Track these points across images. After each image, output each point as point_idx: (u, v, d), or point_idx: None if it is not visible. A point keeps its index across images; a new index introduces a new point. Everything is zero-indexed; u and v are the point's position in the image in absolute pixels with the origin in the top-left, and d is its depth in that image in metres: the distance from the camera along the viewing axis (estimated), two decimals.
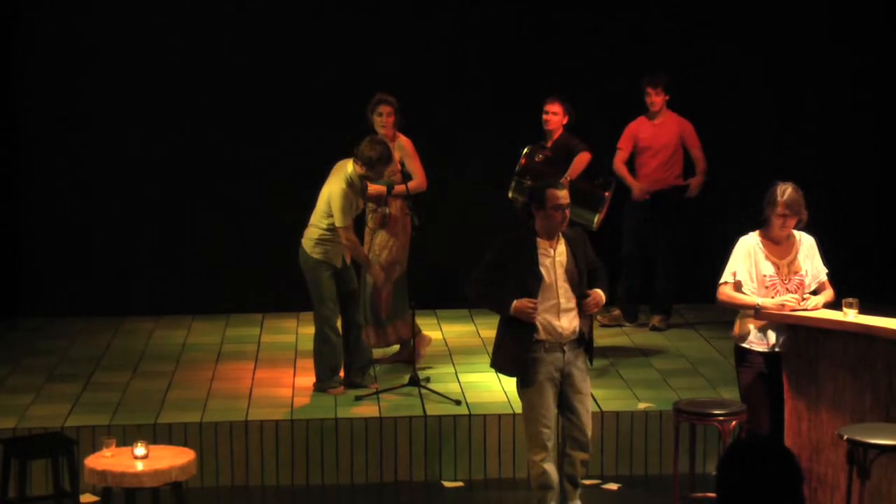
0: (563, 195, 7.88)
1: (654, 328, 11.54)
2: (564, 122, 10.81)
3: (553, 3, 12.31)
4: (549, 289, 7.83)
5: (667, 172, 11.47)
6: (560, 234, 7.90)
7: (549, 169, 10.55)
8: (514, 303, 7.77)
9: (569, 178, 10.49)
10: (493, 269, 7.87)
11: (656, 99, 11.38)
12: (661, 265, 11.55)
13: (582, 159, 10.63)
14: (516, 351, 7.88)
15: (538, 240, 7.85)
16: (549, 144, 10.79)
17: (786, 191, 8.01)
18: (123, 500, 7.72)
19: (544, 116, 10.81)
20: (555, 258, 7.85)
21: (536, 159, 10.55)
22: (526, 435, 8.07)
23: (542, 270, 7.81)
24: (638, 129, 11.45)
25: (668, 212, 11.47)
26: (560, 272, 7.86)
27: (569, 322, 7.89)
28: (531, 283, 7.78)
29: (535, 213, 7.86)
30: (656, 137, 11.40)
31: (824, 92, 12.41)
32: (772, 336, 8.11)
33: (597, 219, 10.30)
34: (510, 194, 10.60)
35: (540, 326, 7.82)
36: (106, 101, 12.14)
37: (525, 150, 10.57)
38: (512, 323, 7.87)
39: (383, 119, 10.33)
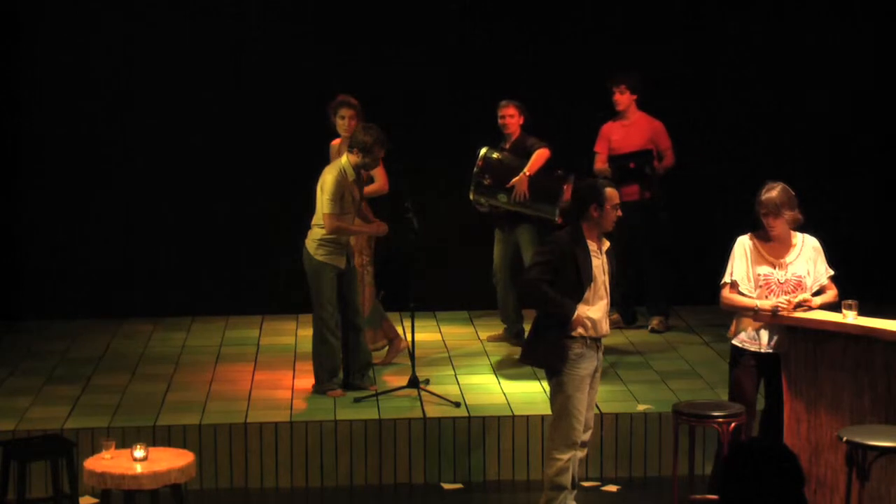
0: (617, 194, 7.97)
1: (653, 330, 11.53)
2: (521, 122, 10.85)
3: (543, 2, 12.35)
4: (600, 288, 7.91)
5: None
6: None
7: (507, 166, 10.61)
8: (579, 310, 7.79)
9: (527, 174, 10.55)
10: (551, 270, 7.86)
11: (620, 98, 11.29)
12: (651, 267, 11.49)
13: (541, 155, 10.66)
14: (562, 344, 7.85)
15: (587, 241, 7.89)
16: (507, 146, 10.84)
17: (767, 190, 8.05)
18: (123, 502, 7.72)
19: (500, 121, 10.86)
20: (602, 258, 7.92)
21: (493, 157, 10.64)
22: (556, 431, 7.96)
23: (595, 271, 7.86)
24: (610, 131, 11.40)
25: (650, 214, 11.33)
26: (607, 272, 7.96)
27: (608, 320, 8.04)
28: (586, 283, 7.82)
29: (592, 211, 7.85)
30: (626, 139, 11.29)
31: (824, 90, 12.40)
32: (764, 336, 8.15)
33: (558, 212, 10.39)
34: (471, 196, 10.68)
35: (589, 323, 7.87)
36: (107, 104, 12.14)
37: (482, 151, 10.64)
38: (558, 319, 7.87)
39: (346, 122, 10.34)
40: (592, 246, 7.89)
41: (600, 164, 11.32)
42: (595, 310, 7.89)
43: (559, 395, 7.93)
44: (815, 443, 8.00)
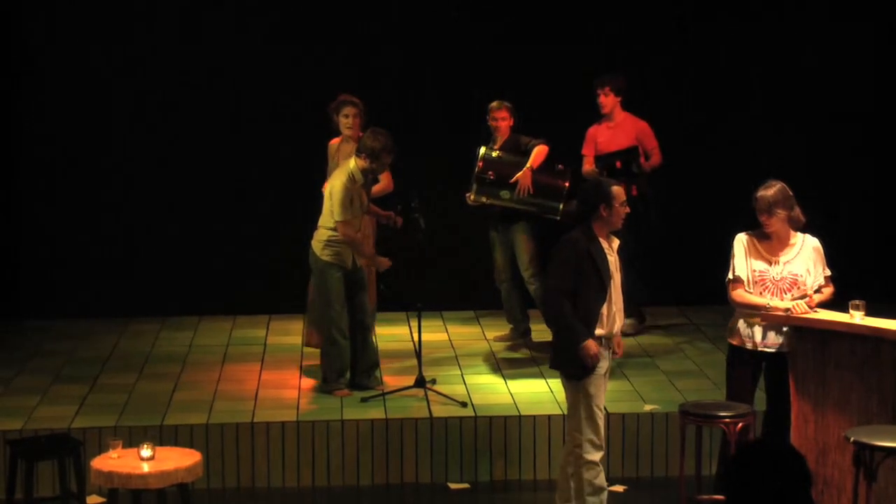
0: (623, 191, 8.00)
1: (625, 334, 11.41)
2: (511, 124, 10.89)
3: (549, 4, 12.35)
4: (616, 288, 7.94)
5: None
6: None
7: (507, 163, 10.62)
8: (587, 343, 7.76)
9: (532, 168, 10.56)
10: (570, 272, 7.85)
11: (605, 101, 11.29)
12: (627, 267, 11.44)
13: (541, 150, 10.68)
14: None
15: (600, 240, 7.91)
16: (496, 146, 10.85)
17: (764, 189, 8.12)
18: (130, 501, 7.74)
19: (492, 122, 10.87)
20: (614, 256, 7.96)
21: (493, 155, 10.66)
22: (586, 435, 7.93)
23: (611, 268, 7.90)
24: (596, 134, 11.40)
25: (640, 212, 11.29)
26: (619, 269, 8.00)
27: (622, 317, 8.09)
28: (607, 281, 7.85)
29: (601, 211, 7.86)
30: (611, 141, 11.27)
31: (822, 89, 12.40)
32: (758, 334, 8.18)
33: (562, 207, 10.42)
34: (472, 196, 10.66)
35: (606, 322, 7.90)
36: (109, 103, 12.14)
37: (481, 151, 10.65)
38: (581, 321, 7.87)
39: (349, 121, 10.36)
40: (604, 244, 7.91)
41: (588, 166, 11.33)
42: (617, 309, 7.92)
43: (583, 398, 7.93)
44: (823, 443, 8.00)
